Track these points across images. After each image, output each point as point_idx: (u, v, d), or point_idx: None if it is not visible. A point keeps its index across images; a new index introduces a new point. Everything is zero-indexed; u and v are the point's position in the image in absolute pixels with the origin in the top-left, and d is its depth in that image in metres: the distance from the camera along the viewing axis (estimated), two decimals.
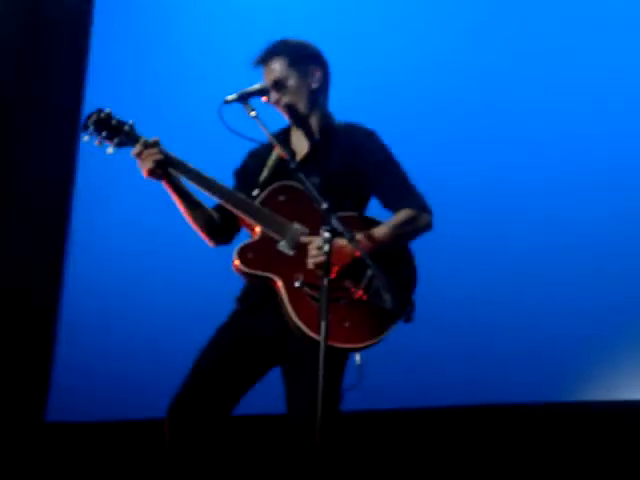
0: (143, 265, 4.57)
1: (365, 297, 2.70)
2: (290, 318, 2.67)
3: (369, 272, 2.68)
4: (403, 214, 2.82)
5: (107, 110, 2.78)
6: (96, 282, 4.65)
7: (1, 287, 4.73)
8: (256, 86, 2.85)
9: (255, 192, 2.83)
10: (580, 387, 3.85)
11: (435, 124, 4.25)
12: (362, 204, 2.91)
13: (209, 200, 2.84)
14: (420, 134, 4.20)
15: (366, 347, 2.70)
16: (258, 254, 2.73)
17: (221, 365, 2.78)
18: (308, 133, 2.93)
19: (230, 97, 2.77)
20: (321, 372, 2.38)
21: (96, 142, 2.77)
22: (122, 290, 4.58)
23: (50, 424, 4.67)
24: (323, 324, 2.41)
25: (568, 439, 3.80)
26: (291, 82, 2.90)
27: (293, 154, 2.87)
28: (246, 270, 2.71)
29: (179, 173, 2.77)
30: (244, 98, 2.78)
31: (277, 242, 2.74)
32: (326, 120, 2.95)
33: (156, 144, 2.75)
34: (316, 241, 2.67)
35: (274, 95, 2.89)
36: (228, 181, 2.92)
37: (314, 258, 2.66)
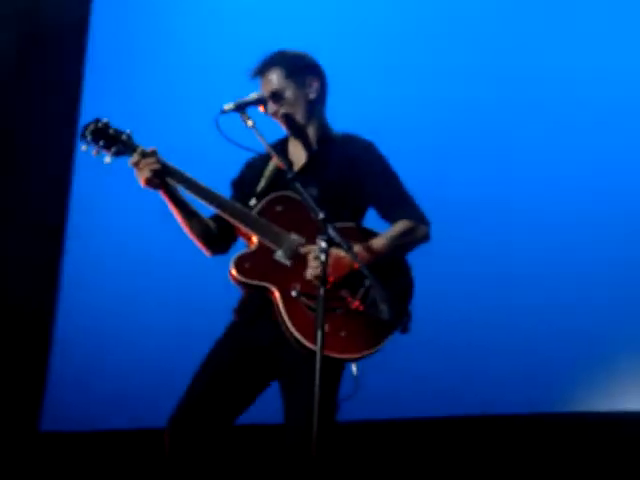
0: (138, 275, 4.56)
1: (362, 307, 2.70)
2: (287, 328, 2.67)
3: (366, 282, 2.68)
4: (401, 225, 2.82)
5: (104, 120, 2.78)
6: (91, 293, 4.63)
7: None
8: (253, 95, 2.86)
9: (252, 202, 2.83)
10: (579, 397, 3.85)
11: (431, 135, 4.26)
12: (360, 215, 2.91)
13: (205, 210, 2.84)
14: (417, 145, 4.21)
15: (362, 357, 2.71)
16: (255, 264, 2.73)
17: (220, 377, 2.78)
18: (306, 144, 2.93)
19: (227, 106, 2.78)
20: (317, 381, 2.37)
21: (93, 152, 2.77)
22: (117, 301, 4.56)
23: (44, 434, 4.65)
24: (319, 333, 2.41)
25: (567, 450, 3.81)
26: (288, 93, 2.90)
27: (290, 164, 2.88)
28: (243, 280, 2.71)
29: (176, 182, 2.77)
30: (241, 107, 2.79)
31: (274, 252, 2.74)
32: (324, 131, 2.96)
33: (154, 153, 2.76)
34: (314, 251, 2.67)
35: (272, 106, 2.90)
36: (225, 191, 2.93)
37: (314, 269, 2.66)
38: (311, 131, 2.94)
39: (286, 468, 2.65)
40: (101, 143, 2.75)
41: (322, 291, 2.46)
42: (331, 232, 2.53)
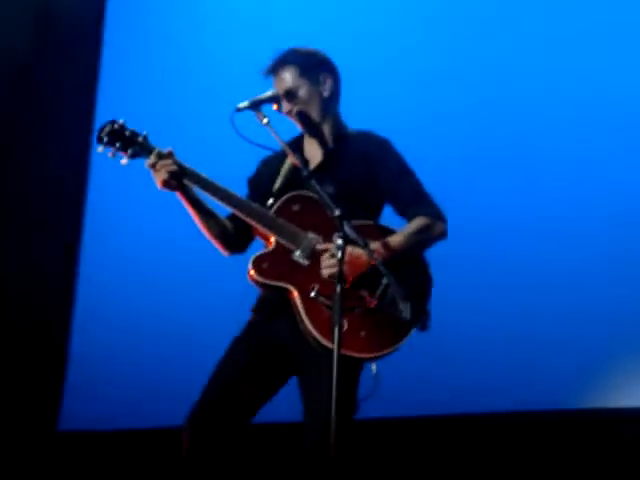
0: (157, 272, 4.57)
1: (380, 306, 2.70)
2: (306, 328, 2.67)
3: (384, 281, 2.67)
4: (418, 222, 2.81)
5: (120, 121, 2.77)
6: (110, 289, 4.65)
7: (15, 295, 4.75)
8: (268, 93, 2.85)
9: (269, 202, 2.82)
10: (595, 394, 3.85)
11: (449, 131, 4.24)
12: (376, 212, 2.90)
13: (222, 209, 2.84)
14: (434, 141, 4.19)
15: (382, 356, 2.70)
16: (273, 264, 2.72)
17: (238, 376, 2.77)
18: (321, 141, 2.92)
19: (242, 104, 2.77)
20: (335, 379, 2.37)
21: (110, 153, 2.77)
22: (136, 297, 4.57)
23: (62, 433, 4.67)
24: (336, 330, 2.40)
25: (582, 446, 3.81)
26: (302, 91, 2.90)
27: (306, 163, 2.87)
28: (261, 280, 2.71)
29: (193, 183, 2.76)
30: (256, 105, 2.78)
31: (292, 252, 2.73)
32: (339, 128, 2.95)
33: (170, 155, 2.75)
34: (330, 249, 2.66)
35: (286, 105, 2.89)
36: (241, 190, 2.92)
37: (328, 268, 2.65)
38: (326, 129, 2.93)
39: (305, 467, 2.64)
40: (117, 145, 2.75)
41: (339, 289, 2.45)
42: (347, 229, 2.52)
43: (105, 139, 2.75)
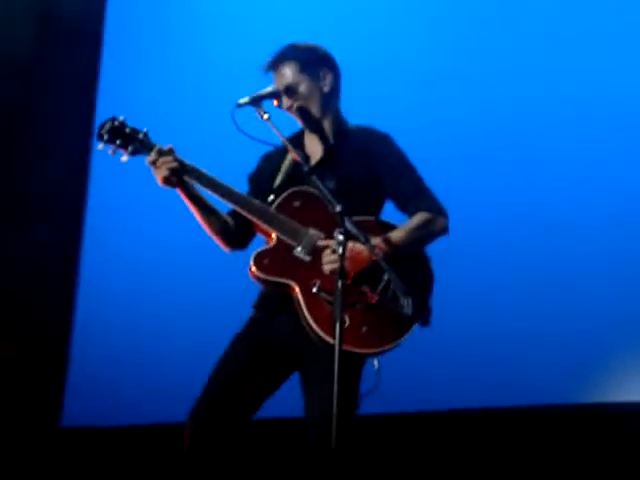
0: (158, 268, 4.57)
1: (382, 302, 2.70)
2: (308, 324, 2.67)
3: (386, 276, 2.67)
4: (419, 217, 2.81)
5: (120, 118, 2.77)
6: (111, 286, 4.66)
7: (16, 293, 4.75)
8: (268, 89, 2.85)
9: (270, 198, 2.82)
10: (595, 389, 3.86)
11: (451, 126, 4.24)
12: (377, 208, 2.90)
13: (223, 205, 2.83)
14: (436, 138, 4.19)
15: (383, 352, 2.70)
16: (274, 260, 2.72)
17: (239, 372, 2.78)
18: (322, 137, 2.92)
19: (243, 100, 2.77)
20: (336, 374, 2.37)
21: (110, 151, 2.77)
22: (137, 295, 4.58)
23: (65, 429, 4.68)
24: (337, 325, 2.41)
25: (582, 441, 3.81)
26: (303, 87, 2.89)
27: (307, 158, 2.87)
28: (263, 276, 2.71)
29: (194, 180, 2.76)
30: (257, 101, 2.78)
31: (293, 248, 2.73)
32: (339, 124, 2.94)
33: (171, 152, 2.75)
34: (331, 245, 2.66)
35: (286, 101, 2.89)
36: (242, 186, 2.92)
37: (330, 264, 2.65)
38: (327, 124, 2.93)
39: (306, 462, 2.65)
40: (118, 142, 2.74)
41: (340, 284, 2.45)
42: (348, 225, 2.52)
43: (105, 136, 2.75)
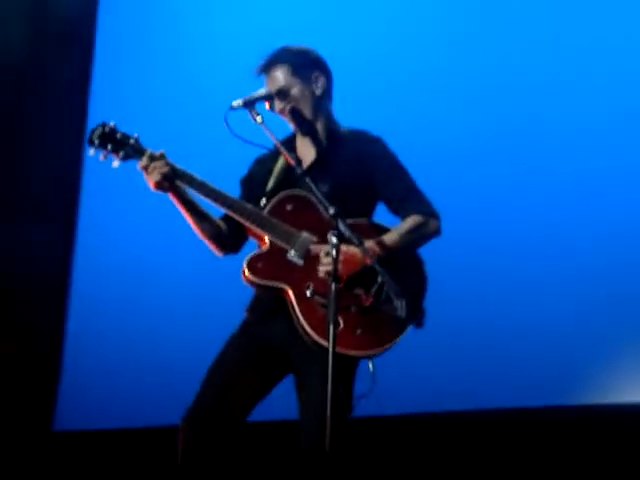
0: (151, 273, 4.57)
1: (376, 304, 2.70)
2: (302, 327, 2.67)
3: (379, 279, 2.67)
4: (412, 220, 2.81)
5: (111, 124, 2.76)
6: (103, 291, 4.64)
7: (9, 296, 4.74)
8: (261, 91, 2.85)
9: (263, 202, 2.82)
10: (595, 390, 3.87)
11: (441, 128, 4.24)
12: (370, 210, 2.90)
13: (215, 210, 2.83)
14: (431, 141, 4.20)
15: (378, 354, 2.70)
16: (268, 264, 2.72)
17: (233, 375, 2.78)
18: (314, 140, 2.91)
19: (236, 103, 2.77)
20: (330, 376, 2.37)
21: (101, 156, 2.76)
22: (129, 299, 4.57)
23: (57, 433, 4.67)
24: (330, 328, 2.41)
25: (581, 442, 3.82)
26: (295, 90, 2.89)
27: (299, 161, 2.86)
28: (256, 281, 2.71)
29: (186, 185, 2.76)
30: (250, 104, 2.78)
31: (286, 252, 2.73)
32: (332, 127, 2.94)
33: (162, 157, 2.75)
34: (325, 249, 2.66)
35: (278, 104, 2.89)
36: (235, 189, 2.92)
37: (323, 267, 2.66)
38: (319, 127, 2.93)
39: (300, 465, 2.65)
40: (109, 147, 2.74)
41: (333, 287, 2.46)
42: (342, 227, 2.53)
43: (96, 142, 2.75)
